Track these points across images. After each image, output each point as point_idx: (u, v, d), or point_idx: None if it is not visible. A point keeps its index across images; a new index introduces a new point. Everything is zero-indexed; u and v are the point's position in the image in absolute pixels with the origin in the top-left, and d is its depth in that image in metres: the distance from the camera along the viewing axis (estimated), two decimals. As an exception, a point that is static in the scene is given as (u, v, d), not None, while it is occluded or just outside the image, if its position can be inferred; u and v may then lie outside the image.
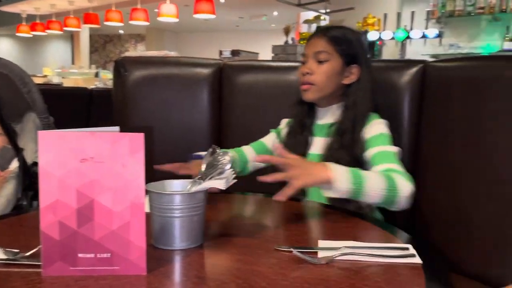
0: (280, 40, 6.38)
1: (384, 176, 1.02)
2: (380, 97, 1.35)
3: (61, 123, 1.43)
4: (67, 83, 7.05)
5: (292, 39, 6.45)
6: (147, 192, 0.75)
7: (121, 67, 1.71)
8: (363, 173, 1.01)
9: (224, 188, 0.80)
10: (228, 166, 0.81)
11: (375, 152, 1.14)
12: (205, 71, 1.70)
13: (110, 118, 1.82)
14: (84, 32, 11.67)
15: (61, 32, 9.58)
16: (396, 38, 4.87)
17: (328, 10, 5.86)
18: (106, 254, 0.68)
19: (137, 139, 0.66)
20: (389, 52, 5.18)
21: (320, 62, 1.22)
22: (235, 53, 6.90)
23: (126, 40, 14.28)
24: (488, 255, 1.06)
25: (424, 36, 4.70)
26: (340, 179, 0.96)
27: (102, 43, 14.44)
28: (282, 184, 0.92)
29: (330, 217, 1.07)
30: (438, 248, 1.11)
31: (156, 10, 7.08)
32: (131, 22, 7.29)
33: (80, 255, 0.67)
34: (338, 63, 1.22)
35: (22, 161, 1.36)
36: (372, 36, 4.90)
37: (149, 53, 6.17)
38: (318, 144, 1.27)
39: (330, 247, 0.78)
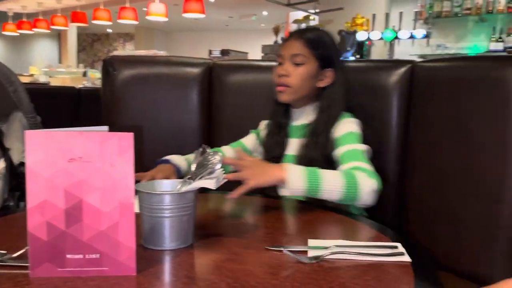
0: (270, 40, 6.38)
1: (344, 174, 1.05)
2: (369, 97, 1.37)
3: (48, 123, 1.41)
4: (54, 82, 6.96)
5: (282, 39, 6.46)
6: (136, 192, 0.75)
7: (110, 66, 1.69)
8: (320, 172, 1.03)
9: (214, 188, 0.80)
10: (219, 165, 0.81)
11: (343, 151, 1.16)
12: (195, 70, 1.70)
13: (99, 117, 1.81)
14: (72, 31, 11.54)
15: (48, 31, 9.46)
16: (385, 38, 4.91)
17: (317, 10, 5.88)
18: (95, 255, 0.67)
19: (126, 139, 0.66)
20: (377, 52, 5.21)
21: (296, 64, 1.24)
22: (224, 52, 6.89)
23: (114, 39, 14.15)
24: (476, 253, 1.07)
25: (412, 37, 4.74)
26: (294, 178, 0.99)
27: (90, 42, 14.29)
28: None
29: (320, 217, 1.08)
30: (426, 247, 1.12)
31: (145, 9, 7.04)
32: (120, 21, 7.22)
33: (68, 256, 0.66)
34: (314, 67, 1.25)
35: (9, 161, 1.34)
36: (361, 36, 4.93)
37: (138, 52, 6.12)
38: (294, 145, 1.29)
39: (320, 246, 0.79)
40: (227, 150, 1.39)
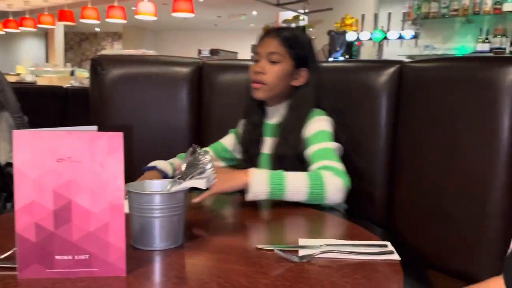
0: (259, 40, 6.37)
1: (309, 175, 1.07)
2: (358, 97, 1.37)
3: (35, 123, 1.39)
4: (41, 81, 6.87)
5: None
6: (126, 192, 0.74)
7: (98, 65, 1.68)
8: (284, 174, 1.06)
9: (205, 188, 0.80)
10: (209, 165, 0.81)
11: (314, 150, 1.18)
12: (184, 70, 1.69)
13: (87, 117, 1.79)
14: (59, 29, 11.40)
15: (35, 30, 9.34)
16: (374, 38, 4.94)
17: (306, 10, 5.90)
18: (84, 256, 0.66)
19: (116, 139, 0.65)
20: (367, 53, 5.24)
21: (272, 62, 1.25)
22: (214, 52, 6.88)
23: (102, 38, 14.02)
24: (464, 252, 1.08)
25: (400, 37, 4.78)
26: (256, 182, 1.02)
27: (77, 41, 14.14)
28: None
29: (310, 216, 1.08)
30: (415, 246, 1.13)
31: (133, 8, 6.98)
32: (108, 20, 7.16)
33: (57, 257, 0.66)
34: (289, 65, 1.26)
35: (-5, 162, 1.32)
36: (350, 36, 4.95)
37: (127, 51, 6.08)
38: (268, 144, 1.30)
39: (310, 245, 0.79)
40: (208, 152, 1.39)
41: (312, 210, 1.08)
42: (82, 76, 6.74)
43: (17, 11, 9.68)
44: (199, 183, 0.80)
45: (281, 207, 1.14)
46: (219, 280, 0.66)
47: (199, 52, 7.11)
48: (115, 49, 13.53)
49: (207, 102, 1.68)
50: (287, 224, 1.06)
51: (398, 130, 1.33)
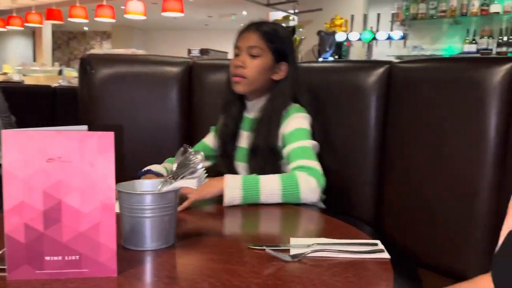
0: (249, 40, 6.36)
1: (283, 177, 1.10)
2: (347, 97, 1.38)
3: (23, 123, 1.37)
4: (29, 81, 6.78)
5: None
6: (117, 192, 0.74)
7: (87, 64, 1.66)
8: (258, 178, 1.09)
9: (196, 188, 0.80)
10: (200, 165, 0.81)
11: (290, 149, 1.20)
12: (174, 69, 1.68)
13: (76, 117, 1.77)
14: (47, 28, 11.26)
15: (22, 28, 9.21)
16: (363, 39, 4.97)
17: (296, 11, 5.91)
18: (75, 257, 0.66)
19: (107, 138, 0.65)
20: (356, 53, 5.28)
21: (253, 56, 1.26)
22: (204, 52, 6.85)
23: (91, 37, 13.89)
24: (452, 250, 1.10)
25: (389, 38, 4.82)
26: (230, 188, 1.06)
27: (65, 40, 13.98)
28: None
29: (301, 216, 1.09)
30: (404, 244, 1.14)
31: (122, 7, 6.93)
32: (97, 19, 7.10)
33: (47, 258, 0.65)
34: (269, 59, 1.27)
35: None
36: (339, 37, 4.98)
37: (116, 51, 6.03)
38: (244, 137, 1.32)
39: (301, 244, 0.79)
40: None
41: (303, 210, 1.09)
42: (71, 76, 6.66)
43: (4, 10, 9.55)
44: (190, 183, 0.79)
45: (271, 207, 1.14)
46: (210, 280, 0.66)
47: (189, 51, 7.08)
48: (104, 48, 13.41)
49: (197, 102, 1.67)
50: (278, 224, 1.07)
51: (387, 130, 1.34)
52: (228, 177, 1.09)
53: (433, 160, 1.16)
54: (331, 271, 0.70)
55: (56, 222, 0.65)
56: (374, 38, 4.90)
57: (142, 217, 0.76)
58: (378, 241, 0.82)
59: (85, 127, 0.75)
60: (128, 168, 1.33)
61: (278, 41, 1.29)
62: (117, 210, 0.69)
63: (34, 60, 11.65)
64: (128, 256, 0.74)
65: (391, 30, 4.88)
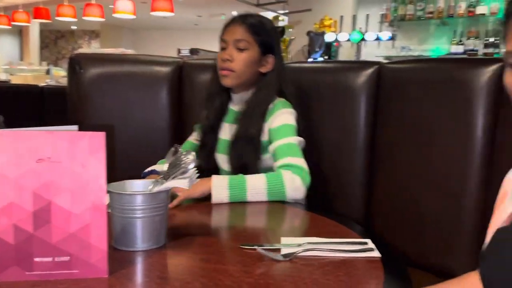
0: (239, 40, 6.36)
1: (268, 176, 1.13)
2: (337, 97, 1.39)
3: (10, 122, 1.36)
4: (16, 80, 6.68)
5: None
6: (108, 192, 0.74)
7: (77, 64, 1.65)
8: (244, 178, 1.12)
9: (187, 188, 0.80)
10: (192, 165, 0.81)
11: (276, 146, 1.21)
12: (165, 69, 1.68)
13: (64, 117, 1.76)
14: (34, 27, 11.12)
15: (9, 27, 9.09)
16: (352, 40, 5.01)
17: (286, 11, 5.93)
18: (65, 258, 0.65)
19: (98, 138, 0.64)
20: (345, 54, 5.31)
21: (240, 50, 1.27)
22: (194, 51, 6.83)
23: (79, 36, 13.74)
24: (440, 248, 1.11)
25: (378, 39, 4.86)
26: (217, 188, 1.08)
27: (53, 39, 13.82)
28: None
29: (292, 215, 1.09)
30: (394, 243, 1.15)
31: (111, 6, 6.87)
32: (85, 18, 7.03)
33: (36, 259, 0.64)
34: (256, 52, 1.28)
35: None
36: (329, 37, 5.00)
37: (105, 50, 5.97)
38: (227, 130, 1.32)
39: (292, 243, 0.80)
40: None
41: (294, 210, 1.10)
42: (59, 75, 6.58)
43: (-10, 8, 9.40)
44: (182, 183, 0.79)
45: (262, 207, 1.14)
46: (202, 279, 0.66)
47: (179, 51, 7.05)
48: (92, 47, 13.28)
49: (187, 102, 1.67)
50: (269, 223, 1.07)
51: (376, 130, 1.35)
52: (215, 177, 1.11)
53: (422, 159, 1.17)
54: (322, 270, 0.71)
55: (46, 223, 0.64)
56: (363, 39, 4.94)
57: (133, 217, 0.76)
58: (368, 240, 0.83)
59: (75, 127, 0.75)
60: (118, 168, 1.32)
61: (264, 33, 1.30)
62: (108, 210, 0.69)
63: (21, 59, 11.50)
64: (119, 256, 0.73)
65: (380, 31, 4.92)
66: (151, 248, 0.77)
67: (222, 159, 1.33)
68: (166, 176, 0.81)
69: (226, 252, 0.78)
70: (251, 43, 1.27)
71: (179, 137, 1.64)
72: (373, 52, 4.95)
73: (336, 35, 5.04)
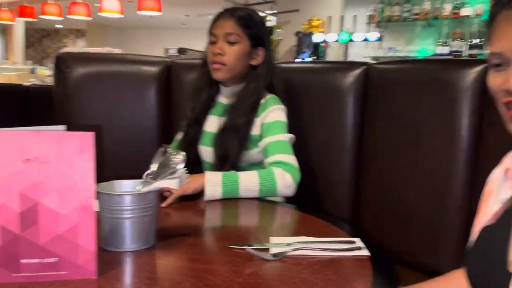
0: (227, 40, 6.34)
1: (260, 173, 1.15)
2: (326, 97, 1.40)
3: (-5, 122, 1.34)
4: None
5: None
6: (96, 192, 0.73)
7: (63, 63, 1.63)
8: (237, 175, 1.14)
9: (177, 188, 0.80)
10: (181, 165, 0.80)
11: (268, 142, 1.23)
12: (153, 69, 1.67)
13: (50, 117, 1.73)
14: (19, 25, 10.95)
15: (-7, 25, 8.93)
16: (340, 40, 5.04)
17: (274, 11, 5.95)
18: (52, 259, 0.65)
19: (86, 139, 0.64)
20: (333, 54, 5.34)
21: (231, 43, 1.27)
22: (181, 51, 6.80)
23: (64, 35, 13.56)
24: (427, 246, 1.13)
25: (365, 39, 4.90)
26: (211, 184, 1.10)
27: (38, 38, 13.62)
28: None
29: (281, 214, 1.10)
30: (382, 242, 1.17)
31: (97, 4, 6.80)
32: (70, 16, 6.94)
33: (23, 260, 0.64)
34: (247, 45, 1.29)
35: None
36: (317, 38, 5.03)
37: (92, 49, 5.90)
38: (214, 122, 1.32)
39: (281, 243, 0.80)
40: None
41: (283, 209, 1.10)
42: (43, 74, 6.49)
43: (-27, 6, 9.22)
44: (171, 183, 0.79)
45: (251, 207, 1.14)
46: (192, 280, 0.66)
47: (166, 51, 7.02)
48: (78, 46, 13.12)
49: (176, 102, 1.66)
50: (258, 223, 1.07)
51: (364, 130, 1.36)
52: (209, 174, 1.12)
53: (408, 159, 1.18)
54: (311, 269, 0.71)
55: (33, 224, 0.64)
56: (351, 40, 4.97)
57: (122, 218, 0.76)
58: (357, 239, 0.83)
59: (63, 127, 0.74)
60: (105, 168, 1.31)
61: (254, 26, 1.30)
62: (96, 209, 0.68)
63: (6, 58, 11.30)
64: (107, 257, 0.73)
65: (367, 31, 4.96)
66: (140, 249, 0.77)
67: (206, 152, 1.33)
68: (155, 176, 0.81)
69: (216, 252, 0.78)
70: (242, 36, 1.27)
71: (168, 137, 1.63)
72: (360, 53, 4.99)
73: (324, 35, 5.06)
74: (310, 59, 4.91)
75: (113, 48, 5.81)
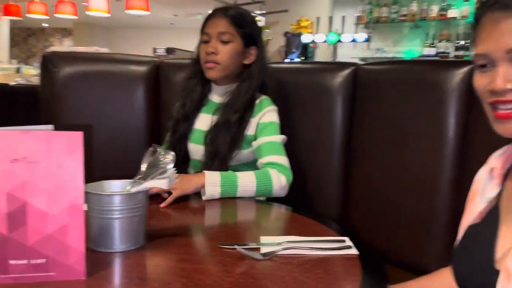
0: (216, 40, 6.33)
1: (257, 174, 1.18)
2: (315, 97, 1.41)
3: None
4: (-16, 78, 6.46)
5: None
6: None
7: (50, 62, 1.61)
8: (235, 175, 1.15)
9: (167, 188, 0.79)
10: (171, 165, 0.80)
11: (262, 142, 1.25)
12: (141, 68, 1.66)
13: (36, 117, 1.71)
14: (4, 24, 10.77)
15: (-23, 23, 8.77)
16: (328, 41, 5.06)
17: (263, 12, 5.95)
18: (41, 260, 0.64)
19: (75, 138, 0.63)
20: (321, 54, 5.36)
21: (224, 42, 1.28)
22: (169, 51, 6.77)
23: (50, 34, 13.39)
24: (414, 245, 1.14)
25: (354, 40, 4.93)
26: (210, 185, 1.11)
27: (23, 37, 13.42)
28: None
29: (270, 214, 1.10)
30: (371, 241, 1.18)
31: (84, 3, 6.73)
32: (57, 15, 6.85)
33: (11, 262, 0.63)
34: (240, 44, 1.30)
35: None
36: (305, 38, 5.05)
37: (78, 48, 5.83)
38: (204, 120, 1.33)
39: (272, 242, 0.80)
40: None
41: (273, 209, 1.10)
42: (29, 74, 6.39)
43: (-44, 4, 9.04)
44: (161, 183, 0.79)
45: (241, 207, 1.15)
46: (182, 280, 0.66)
47: (154, 50, 6.97)
48: (64, 45, 12.97)
49: (165, 102, 1.65)
50: (248, 223, 1.07)
51: (352, 130, 1.37)
52: (208, 174, 1.13)
53: (396, 159, 1.20)
54: (301, 268, 0.72)
55: (21, 225, 0.63)
56: (339, 40, 5.00)
57: (111, 218, 0.75)
58: (346, 238, 0.84)
59: (51, 126, 0.73)
60: (94, 168, 1.30)
61: (246, 26, 1.31)
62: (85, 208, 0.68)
63: (-10, 57, 11.11)
64: (96, 258, 0.72)
65: (356, 32, 4.99)
66: (130, 249, 0.76)
67: (195, 149, 1.33)
68: (145, 176, 0.80)
69: (206, 252, 0.78)
70: (235, 36, 1.28)
71: (156, 137, 1.62)
72: (348, 53, 5.02)
73: (313, 36, 5.08)
74: (298, 60, 4.93)
75: (101, 48, 5.75)
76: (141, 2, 5.82)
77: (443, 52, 4.47)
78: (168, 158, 0.81)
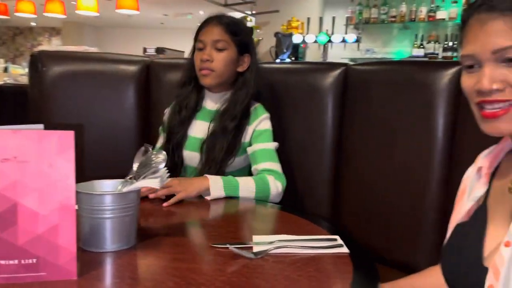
0: (206, 40, 6.31)
1: (257, 180, 1.21)
2: (306, 97, 1.42)
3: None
4: (-30, 78, 6.36)
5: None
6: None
7: (39, 62, 1.59)
8: (237, 181, 1.18)
9: (158, 187, 0.79)
10: (162, 165, 0.80)
11: (257, 149, 1.28)
12: (131, 68, 1.65)
13: (24, 116, 1.69)
14: (-10, 22, 10.63)
15: (-37, 22, 8.63)
16: (319, 41, 5.08)
17: (254, 12, 5.95)
18: (32, 260, 0.63)
19: (67, 137, 0.63)
20: (312, 55, 5.38)
21: (219, 50, 1.29)
22: (160, 50, 6.72)
23: (39, 33, 13.24)
24: (404, 244, 1.15)
25: (344, 41, 4.96)
26: (215, 188, 1.14)
27: (11, 36, 13.25)
28: None
29: (262, 213, 1.10)
30: (362, 240, 1.19)
31: (74, 2, 6.67)
32: (46, 14, 6.78)
33: (2, 262, 0.62)
34: (234, 52, 1.32)
35: None
36: (296, 39, 5.06)
37: (67, 48, 5.78)
38: (199, 128, 1.34)
39: (264, 241, 0.81)
40: None
41: (264, 208, 1.11)
42: (17, 73, 6.32)
43: None
44: (153, 182, 0.79)
45: (233, 207, 1.15)
46: (174, 279, 0.66)
47: (144, 50, 6.92)
48: (53, 45, 12.83)
49: (155, 102, 1.65)
50: (240, 222, 1.08)
51: (343, 130, 1.38)
52: (211, 177, 1.16)
53: (385, 159, 1.21)
54: (293, 266, 0.72)
55: (12, 225, 0.62)
56: (329, 41, 5.02)
57: (102, 218, 0.75)
58: (337, 237, 0.85)
59: (40, 126, 0.72)
60: (84, 168, 1.29)
61: (240, 33, 1.33)
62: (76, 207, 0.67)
63: (-24, 56, 10.95)
64: (88, 258, 0.72)
65: (346, 33, 5.02)
66: (121, 249, 0.76)
67: (190, 156, 1.33)
68: (137, 175, 0.80)
69: (198, 251, 0.78)
70: (229, 43, 1.30)
71: (147, 137, 1.62)
72: (339, 54, 5.05)
73: (303, 36, 5.10)
74: (289, 60, 4.94)
75: (90, 47, 5.71)
76: (131, 1, 5.79)
77: (432, 53, 4.52)
78: (160, 158, 0.81)
